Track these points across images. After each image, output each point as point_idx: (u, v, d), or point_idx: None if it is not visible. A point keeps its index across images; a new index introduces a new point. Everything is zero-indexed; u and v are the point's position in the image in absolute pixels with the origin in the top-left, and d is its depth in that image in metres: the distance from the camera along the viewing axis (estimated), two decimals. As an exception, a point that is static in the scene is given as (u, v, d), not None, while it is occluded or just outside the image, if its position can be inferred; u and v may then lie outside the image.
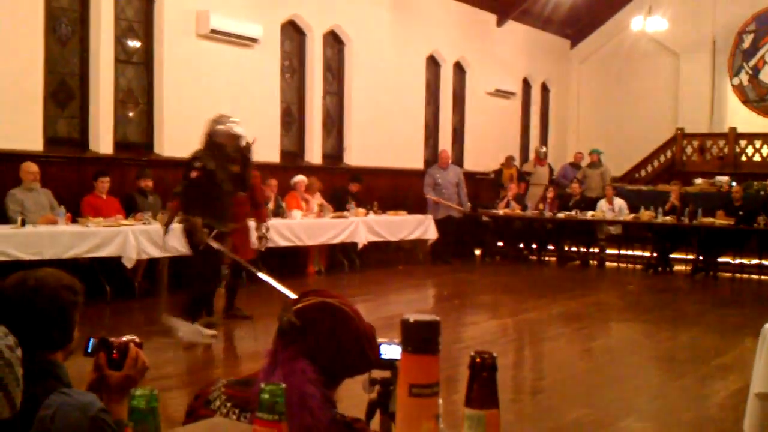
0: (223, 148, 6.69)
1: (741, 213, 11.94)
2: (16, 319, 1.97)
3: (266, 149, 11.37)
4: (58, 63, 9.24)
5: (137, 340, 2.19)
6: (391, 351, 2.13)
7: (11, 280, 2.08)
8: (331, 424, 1.74)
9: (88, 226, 8.22)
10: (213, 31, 10.35)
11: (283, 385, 1.09)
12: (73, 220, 8.40)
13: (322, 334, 1.83)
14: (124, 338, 2.18)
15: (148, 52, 10.10)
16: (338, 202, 11.64)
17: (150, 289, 8.97)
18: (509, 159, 14.89)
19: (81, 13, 9.40)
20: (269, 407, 1.09)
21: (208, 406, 1.85)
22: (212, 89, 10.52)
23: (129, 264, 8.34)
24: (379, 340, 2.13)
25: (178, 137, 10.19)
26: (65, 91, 9.36)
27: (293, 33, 12.15)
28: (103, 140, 9.50)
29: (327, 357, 1.81)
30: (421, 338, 0.98)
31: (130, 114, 10.07)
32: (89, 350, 2.13)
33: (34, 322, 2.01)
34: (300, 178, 11.21)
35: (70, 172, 9.17)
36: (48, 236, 7.77)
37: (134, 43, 10.06)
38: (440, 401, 1.01)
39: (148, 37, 10.09)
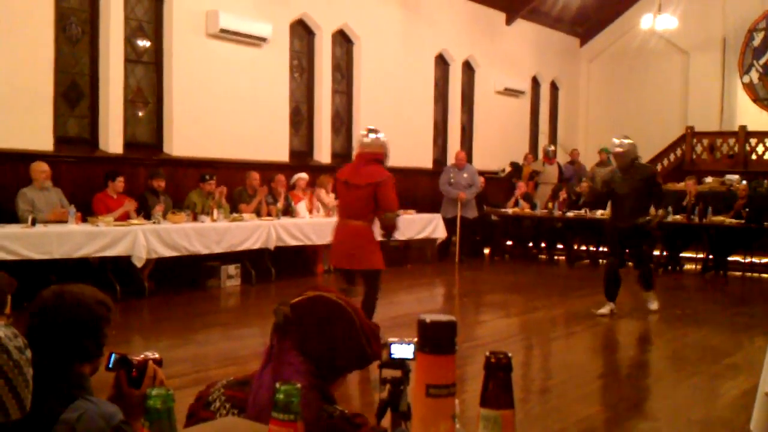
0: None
1: (747, 210, 11.91)
2: (55, 329, 2.03)
3: (275, 148, 11.45)
4: (68, 63, 9.27)
5: (157, 357, 2.24)
6: (401, 350, 2.14)
7: (49, 292, 2.13)
8: (320, 419, 1.73)
9: (98, 225, 8.25)
10: (222, 31, 10.37)
11: (299, 385, 1.09)
12: (83, 220, 8.43)
13: (313, 327, 1.83)
14: (143, 355, 2.22)
15: (157, 51, 10.13)
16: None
17: (159, 289, 9.00)
18: (530, 156, 15.01)
19: (91, 13, 9.43)
20: (284, 407, 1.09)
21: (207, 408, 1.85)
22: (221, 88, 10.55)
23: (139, 263, 8.37)
24: (390, 339, 2.13)
25: (187, 137, 10.23)
26: (75, 90, 9.40)
27: (302, 32, 12.17)
28: (112, 140, 9.53)
29: (318, 350, 1.81)
30: (438, 339, 0.98)
31: (140, 113, 10.10)
32: (110, 365, 2.19)
33: (71, 334, 2.07)
34: (300, 176, 11.26)
35: (79, 171, 9.20)
36: (58, 236, 7.80)
37: (144, 43, 10.09)
38: (456, 401, 1.01)
39: (157, 37, 10.12)
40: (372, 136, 6.46)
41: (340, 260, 6.55)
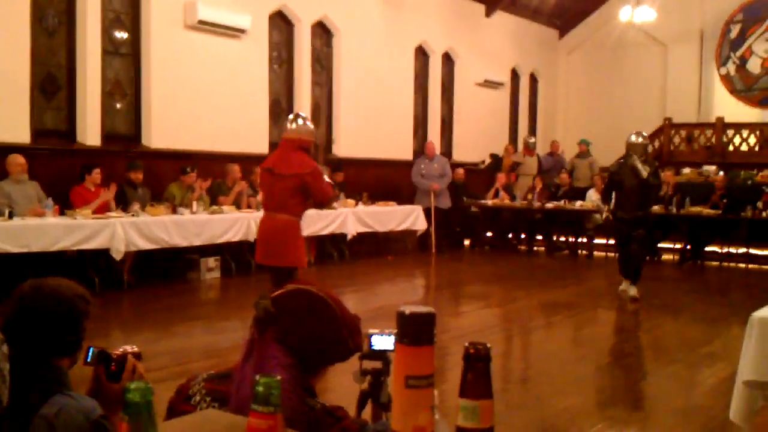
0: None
1: (724, 200, 12.06)
2: (33, 324, 2.02)
3: (255, 140, 11.40)
4: (45, 54, 9.17)
5: (136, 350, 2.23)
6: (382, 342, 2.14)
7: (27, 286, 2.12)
8: (303, 411, 1.73)
9: (75, 218, 8.19)
10: (201, 22, 10.30)
11: (278, 377, 1.09)
12: (61, 212, 8.36)
13: (295, 319, 1.83)
14: (122, 349, 2.21)
15: (135, 43, 10.04)
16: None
17: (139, 282, 8.95)
18: (510, 148, 15.06)
19: (68, 5, 9.33)
20: (264, 399, 1.09)
21: (188, 402, 1.85)
22: (200, 80, 10.49)
23: (117, 256, 8.32)
24: (371, 330, 2.13)
25: (165, 129, 10.16)
26: (52, 82, 9.30)
27: (281, 24, 12.11)
28: (90, 132, 9.45)
29: (300, 342, 1.81)
30: (417, 330, 0.98)
31: (118, 105, 10.02)
32: (89, 359, 2.17)
33: (50, 328, 2.05)
34: None
35: (57, 164, 9.12)
36: (36, 229, 7.73)
37: (122, 35, 10.00)
38: (436, 392, 1.02)
39: (135, 28, 10.03)
40: (299, 122, 6.08)
41: (260, 256, 6.07)
